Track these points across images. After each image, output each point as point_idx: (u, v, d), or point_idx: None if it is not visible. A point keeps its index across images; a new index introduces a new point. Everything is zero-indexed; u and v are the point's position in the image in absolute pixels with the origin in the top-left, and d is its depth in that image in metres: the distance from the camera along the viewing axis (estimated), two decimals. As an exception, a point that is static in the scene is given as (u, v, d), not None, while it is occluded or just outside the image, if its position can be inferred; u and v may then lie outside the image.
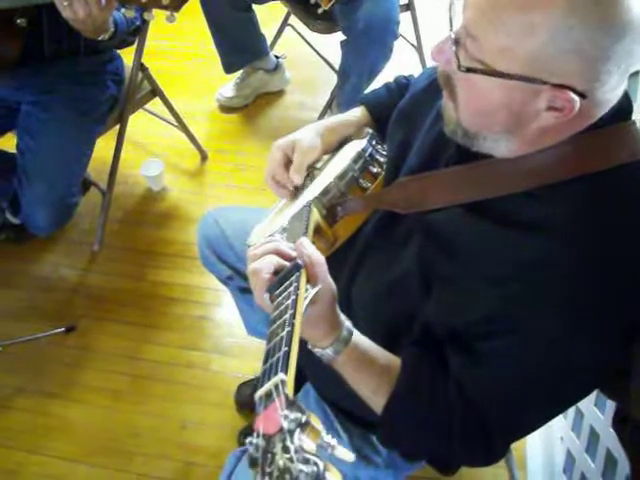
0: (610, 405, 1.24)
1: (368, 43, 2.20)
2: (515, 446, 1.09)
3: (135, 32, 1.76)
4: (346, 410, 1.13)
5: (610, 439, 1.25)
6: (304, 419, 0.50)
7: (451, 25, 0.80)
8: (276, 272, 0.82)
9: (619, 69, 0.73)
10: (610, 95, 0.77)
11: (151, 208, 2.41)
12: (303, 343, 0.91)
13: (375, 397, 0.92)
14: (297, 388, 1.25)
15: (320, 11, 2.14)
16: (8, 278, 2.18)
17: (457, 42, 0.78)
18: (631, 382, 0.82)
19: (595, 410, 1.33)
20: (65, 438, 1.80)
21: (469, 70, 0.77)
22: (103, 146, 2.12)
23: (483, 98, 0.79)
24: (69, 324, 2.00)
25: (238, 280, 1.44)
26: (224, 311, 2.07)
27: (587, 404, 1.38)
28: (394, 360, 0.93)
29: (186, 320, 2.06)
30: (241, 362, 1.94)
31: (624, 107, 0.81)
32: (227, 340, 2.00)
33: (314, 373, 1.18)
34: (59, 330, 1.98)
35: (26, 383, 1.90)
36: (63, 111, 1.80)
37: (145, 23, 1.78)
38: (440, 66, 0.85)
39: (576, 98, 0.73)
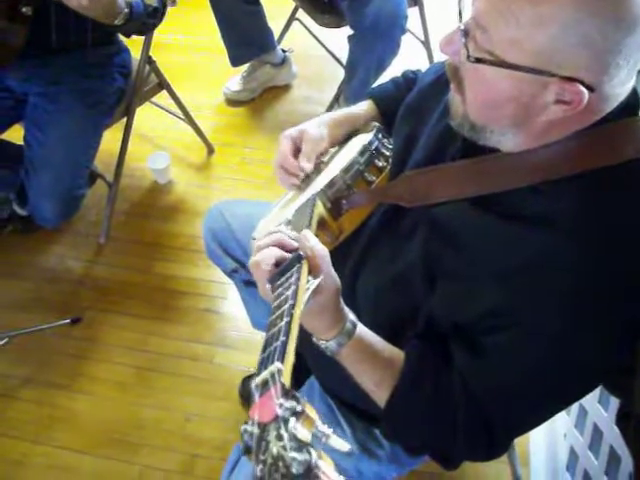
0: (614, 402, 1.24)
1: (376, 38, 2.20)
2: (518, 442, 1.09)
3: (154, 14, 1.72)
4: (350, 404, 1.13)
5: (613, 436, 1.24)
6: (299, 408, 0.50)
7: (460, 17, 0.80)
8: (278, 264, 0.82)
9: (628, 63, 0.73)
10: (619, 90, 0.76)
11: (157, 201, 2.41)
12: (308, 337, 0.92)
13: (379, 390, 0.93)
14: (301, 382, 1.25)
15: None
16: (15, 269, 2.19)
17: (466, 33, 0.77)
18: (635, 379, 0.82)
19: (599, 407, 1.33)
20: (70, 429, 1.81)
21: (478, 60, 0.76)
22: (110, 138, 2.13)
23: (491, 90, 0.79)
24: (75, 316, 2.01)
25: (243, 273, 1.44)
26: (229, 304, 2.08)
27: (591, 401, 1.37)
28: (398, 353, 0.93)
29: (191, 313, 2.06)
30: (246, 355, 1.94)
31: (631, 103, 0.81)
32: (232, 333, 2.01)
33: (318, 367, 1.18)
34: (65, 321, 1.98)
35: (32, 374, 1.91)
36: (70, 103, 1.80)
37: (165, 5, 1.75)
38: (448, 57, 0.85)
39: (585, 91, 0.73)
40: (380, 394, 0.92)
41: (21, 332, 1.92)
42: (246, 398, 1.82)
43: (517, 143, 0.83)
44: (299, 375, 1.21)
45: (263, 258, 0.83)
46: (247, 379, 1.84)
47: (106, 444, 1.77)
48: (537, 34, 0.72)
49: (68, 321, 1.99)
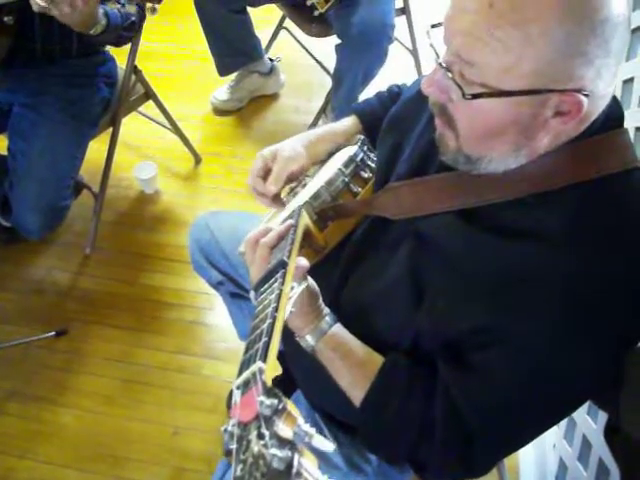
0: (603, 414, 1.23)
1: (363, 47, 2.20)
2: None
3: (131, 28, 1.73)
4: (336, 419, 1.12)
5: (602, 448, 1.24)
6: (281, 406, 0.49)
7: (436, 54, 0.79)
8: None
9: (615, 61, 0.73)
10: (610, 89, 0.76)
11: (144, 211, 2.40)
12: (294, 346, 0.93)
13: (353, 390, 0.94)
14: (287, 395, 1.24)
15: (316, 14, 2.14)
16: (-1, 281, 2.17)
17: (449, 70, 0.76)
18: (621, 392, 0.81)
19: (588, 419, 1.32)
20: (56, 443, 1.78)
21: (475, 97, 0.74)
22: (96, 149, 2.11)
23: (489, 121, 0.77)
24: (60, 328, 1.99)
25: (229, 285, 1.43)
26: (216, 316, 2.06)
27: (580, 413, 1.37)
28: (376, 357, 0.94)
29: (178, 324, 2.05)
30: (234, 367, 1.88)
31: (616, 115, 0.81)
32: (219, 345, 1.99)
33: (305, 381, 1.16)
34: (50, 334, 1.96)
35: (16, 387, 1.89)
36: (54, 113, 1.79)
37: (142, 19, 1.76)
38: (432, 97, 0.83)
39: (584, 99, 0.72)
40: (356, 394, 0.93)
41: (5, 345, 1.90)
42: (233, 410, 1.80)
43: (519, 163, 0.81)
44: (285, 389, 1.20)
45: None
46: (234, 391, 1.82)
47: (92, 458, 1.75)
48: (529, 55, 0.70)
49: (53, 333, 1.97)
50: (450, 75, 0.76)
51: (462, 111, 0.79)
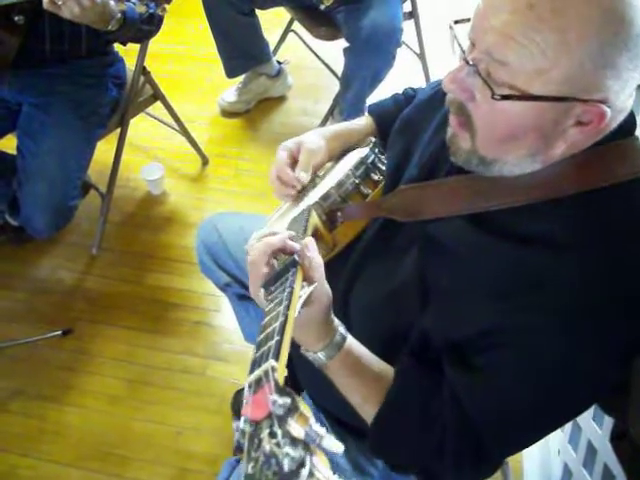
0: (608, 420, 1.23)
1: (371, 50, 2.20)
2: (512, 458, 1.08)
3: (150, 21, 1.71)
4: (342, 421, 1.12)
5: (608, 454, 1.23)
6: (293, 405, 0.49)
7: (461, 49, 0.78)
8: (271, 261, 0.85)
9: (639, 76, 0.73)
10: (628, 102, 0.76)
11: (151, 212, 2.40)
12: (299, 349, 0.91)
13: (366, 405, 0.92)
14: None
15: (322, 8, 2.14)
16: (6, 280, 2.17)
17: (476, 69, 0.75)
18: (629, 399, 0.81)
19: (593, 424, 1.32)
20: (59, 442, 1.79)
21: (504, 97, 0.73)
22: (104, 149, 2.12)
23: (511, 124, 0.76)
24: (66, 327, 2.00)
25: (236, 287, 1.43)
26: (222, 317, 2.06)
27: (585, 418, 1.36)
28: (387, 369, 0.93)
29: (184, 325, 2.05)
30: (238, 368, 1.93)
31: (628, 123, 0.80)
32: (224, 346, 2.00)
33: (310, 382, 1.17)
34: (56, 333, 1.97)
35: (21, 386, 1.90)
36: (63, 113, 1.79)
37: (161, 18, 1.74)
38: (453, 95, 0.82)
39: (607, 110, 0.72)
40: (367, 409, 0.92)
41: (11, 343, 1.91)
42: (238, 412, 1.80)
43: (533, 169, 0.81)
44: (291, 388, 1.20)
45: (257, 260, 0.84)
46: (239, 392, 1.82)
47: (95, 457, 1.76)
48: (563, 61, 0.70)
49: (59, 333, 1.97)
50: (480, 73, 0.75)
51: (483, 111, 0.78)
